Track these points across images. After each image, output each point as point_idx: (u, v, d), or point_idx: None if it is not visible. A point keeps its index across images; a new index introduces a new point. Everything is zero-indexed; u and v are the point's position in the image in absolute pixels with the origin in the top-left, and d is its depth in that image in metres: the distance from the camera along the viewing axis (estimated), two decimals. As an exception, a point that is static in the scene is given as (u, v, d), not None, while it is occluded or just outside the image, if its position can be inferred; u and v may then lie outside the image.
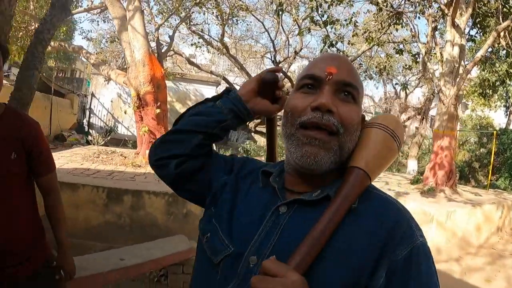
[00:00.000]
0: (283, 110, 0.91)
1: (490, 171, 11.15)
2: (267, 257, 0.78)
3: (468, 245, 6.32)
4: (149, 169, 6.28)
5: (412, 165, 14.57)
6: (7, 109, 1.67)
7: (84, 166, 5.77)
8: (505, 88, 13.89)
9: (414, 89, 22.26)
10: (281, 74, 0.87)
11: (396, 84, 20.52)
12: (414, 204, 6.29)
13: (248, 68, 19.05)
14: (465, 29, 8.21)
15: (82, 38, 15.55)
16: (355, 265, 0.75)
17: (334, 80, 0.82)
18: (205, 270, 0.89)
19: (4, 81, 1.67)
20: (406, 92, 21.70)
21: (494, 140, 11.98)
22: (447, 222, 6.03)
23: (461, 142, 16.76)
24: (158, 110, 7.26)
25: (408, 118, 23.98)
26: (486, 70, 11.25)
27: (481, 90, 11.79)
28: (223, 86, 20.26)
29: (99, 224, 4.26)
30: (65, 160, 6.13)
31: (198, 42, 14.25)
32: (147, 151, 7.14)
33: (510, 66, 9.76)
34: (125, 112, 9.94)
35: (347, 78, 0.83)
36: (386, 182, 8.68)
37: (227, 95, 1.02)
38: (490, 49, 9.88)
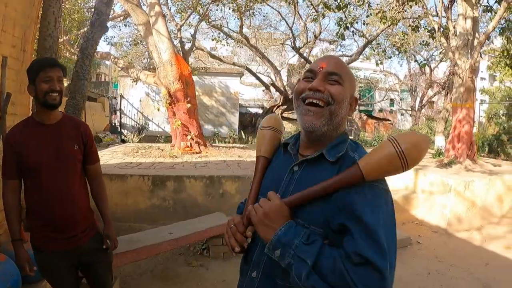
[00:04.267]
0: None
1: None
2: None
3: (490, 215, 6.42)
4: (185, 159, 6.86)
5: (439, 141, 14.45)
6: (64, 115, 2.23)
7: (127, 160, 6.38)
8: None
9: (438, 63, 21.85)
10: None
11: (415, 61, 20.25)
12: (433, 176, 6.54)
13: (269, 56, 19.32)
14: (477, 1, 8.19)
15: (107, 44, 16.22)
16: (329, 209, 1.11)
17: (323, 72, 1.20)
18: None
19: None
20: (430, 68, 21.41)
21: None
22: (466, 192, 6.17)
23: (490, 116, 16.48)
24: (188, 105, 7.82)
25: (434, 94, 23.67)
26: (505, 41, 11.01)
27: (506, 60, 11.56)
28: (246, 76, 20.69)
29: (146, 208, 4.86)
30: (107, 157, 6.78)
31: (219, 36, 14.65)
32: (182, 143, 7.78)
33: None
34: (158, 110, 10.56)
35: (332, 69, 1.20)
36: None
37: None
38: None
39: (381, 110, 29.22)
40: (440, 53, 18.76)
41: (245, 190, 5.23)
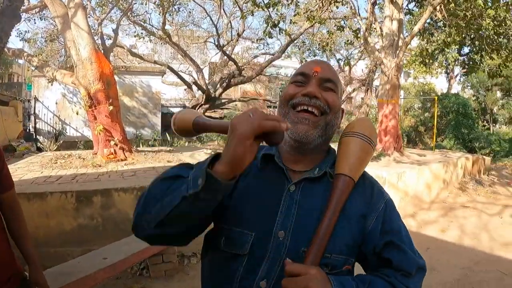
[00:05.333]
0: (279, 97, 1.14)
1: (435, 134, 11.92)
2: (291, 229, 0.98)
3: (421, 202, 6.92)
4: (110, 168, 6.26)
5: (361, 134, 15.08)
6: None
7: (45, 174, 5.64)
8: (444, 56, 14.72)
9: (357, 62, 23.02)
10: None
11: (340, 59, 21.08)
12: (366, 169, 6.74)
13: (191, 54, 18.90)
14: (402, 4, 8.68)
15: (20, 40, 14.66)
16: (352, 230, 1.01)
17: (319, 77, 1.06)
18: (225, 266, 1.01)
19: None
20: (350, 66, 22.48)
21: (436, 104, 12.76)
22: (399, 183, 6.53)
23: (406, 109, 17.61)
24: (111, 107, 7.15)
25: (353, 90, 25.02)
26: (425, 41, 11.85)
27: (421, 59, 12.42)
28: (167, 75, 20.00)
29: (73, 229, 4.24)
30: (23, 171, 5.92)
31: (142, 33, 13.96)
32: (105, 150, 7.12)
33: (447, 36, 10.39)
34: (77, 113, 9.66)
35: (328, 75, 1.08)
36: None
37: None
38: (428, 21, 10.48)
39: (302, 106, 30.04)
40: (359, 52, 19.66)
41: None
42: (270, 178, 1.06)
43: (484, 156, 10.67)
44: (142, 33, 14.06)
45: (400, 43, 8.34)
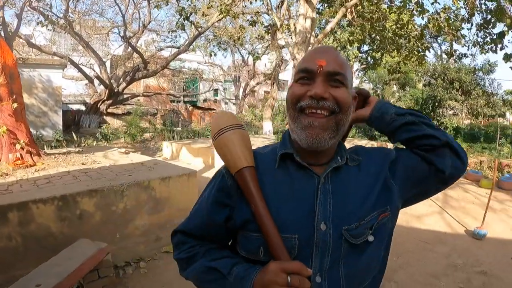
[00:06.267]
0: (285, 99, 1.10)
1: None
2: (330, 218, 1.01)
3: None
4: (19, 176, 5.64)
5: (267, 126, 15.54)
6: None
7: None
8: (346, 53, 15.83)
9: (261, 56, 23.83)
10: None
11: (249, 54, 21.55)
12: None
13: (93, 46, 17.80)
14: (316, 3, 9.13)
15: None
16: (374, 191, 1.09)
17: (324, 71, 1.00)
18: None
19: None
20: (255, 60, 23.09)
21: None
22: None
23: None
24: (15, 105, 6.40)
25: (257, 84, 25.87)
26: (329, 38, 12.64)
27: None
28: (69, 68, 18.58)
29: (-12, 253, 3.75)
30: None
31: (43, 21, 12.75)
32: (10, 155, 6.39)
33: (350, 34, 11.19)
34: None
35: (335, 68, 1.01)
36: (253, 144, 9.45)
37: None
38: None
39: (205, 100, 30.15)
40: (264, 47, 20.23)
41: (106, 205, 4.55)
42: (296, 176, 1.06)
43: (387, 143, 11.69)
44: (44, 20, 12.82)
45: (312, 40, 8.74)
